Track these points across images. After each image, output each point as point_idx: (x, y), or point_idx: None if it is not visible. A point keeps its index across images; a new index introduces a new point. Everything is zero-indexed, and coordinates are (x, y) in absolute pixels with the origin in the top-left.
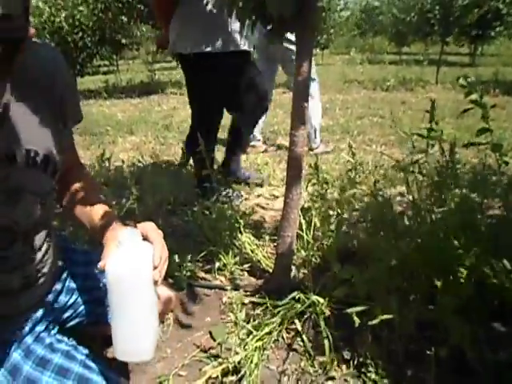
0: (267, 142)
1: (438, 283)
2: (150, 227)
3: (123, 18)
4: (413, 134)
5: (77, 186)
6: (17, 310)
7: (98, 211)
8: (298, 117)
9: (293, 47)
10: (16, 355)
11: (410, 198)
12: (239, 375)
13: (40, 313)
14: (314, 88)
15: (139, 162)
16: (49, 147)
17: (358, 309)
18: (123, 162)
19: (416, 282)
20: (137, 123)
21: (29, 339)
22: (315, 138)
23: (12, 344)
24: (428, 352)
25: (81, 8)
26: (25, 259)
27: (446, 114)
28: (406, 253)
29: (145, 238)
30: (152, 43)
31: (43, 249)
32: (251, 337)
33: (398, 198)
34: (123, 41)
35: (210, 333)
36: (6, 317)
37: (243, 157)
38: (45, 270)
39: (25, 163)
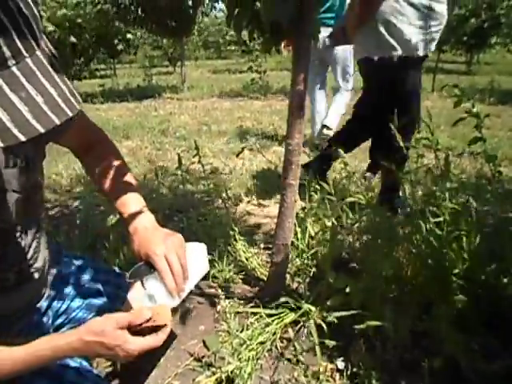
0: (261, 148)
1: (433, 293)
2: (158, 255)
3: (120, 22)
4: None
5: (100, 164)
6: (12, 308)
7: (120, 194)
8: (294, 125)
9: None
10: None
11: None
12: None
13: (35, 318)
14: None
15: (135, 167)
16: (28, 146)
17: (347, 313)
18: None
19: (411, 292)
20: (133, 128)
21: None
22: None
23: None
24: (422, 362)
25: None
26: (19, 256)
27: (441, 121)
28: (401, 262)
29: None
30: (148, 47)
31: (34, 244)
32: (244, 346)
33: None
34: (120, 45)
35: (204, 342)
36: (2, 316)
37: (238, 162)
38: (37, 265)
39: (4, 167)
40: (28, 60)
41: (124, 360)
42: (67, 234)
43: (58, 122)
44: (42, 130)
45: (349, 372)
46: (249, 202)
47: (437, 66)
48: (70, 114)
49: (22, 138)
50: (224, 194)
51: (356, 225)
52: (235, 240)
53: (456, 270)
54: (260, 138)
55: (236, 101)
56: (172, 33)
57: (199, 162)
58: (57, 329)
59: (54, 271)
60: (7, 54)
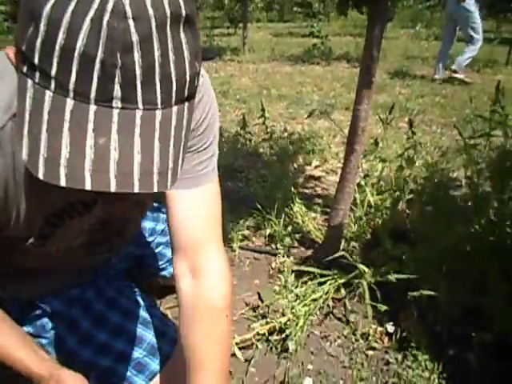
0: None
1: (491, 269)
2: None
3: None
4: (475, 116)
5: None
6: (100, 263)
7: None
8: (363, 90)
9: (470, 12)
10: (89, 294)
11: (469, 182)
12: (284, 335)
13: (113, 260)
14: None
15: None
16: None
17: (403, 276)
18: None
19: (467, 266)
20: None
21: (101, 281)
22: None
23: (87, 285)
24: (472, 334)
25: None
26: (116, 240)
27: None
28: (460, 236)
29: None
30: (209, 8)
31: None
32: (298, 301)
33: (457, 182)
34: None
35: (259, 294)
36: (88, 268)
37: (297, 127)
38: (129, 233)
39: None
40: (139, 113)
41: None
42: None
43: (113, 188)
44: (89, 187)
45: (398, 336)
46: (307, 167)
47: None
48: (135, 190)
49: (63, 183)
50: (284, 157)
51: (416, 195)
52: (293, 202)
53: None
54: (320, 104)
55: (297, 65)
56: None
57: (264, 123)
58: (130, 271)
59: None
60: (117, 94)
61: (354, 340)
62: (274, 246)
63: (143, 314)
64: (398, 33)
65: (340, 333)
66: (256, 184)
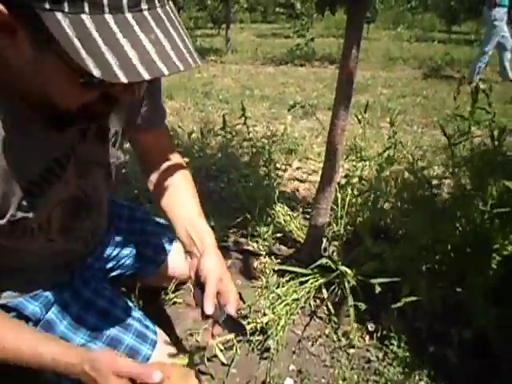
0: (303, 115)
1: (470, 266)
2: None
3: None
4: (455, 116)
5: (164, 179)
6: (76, 260)
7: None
8: (343, 90)
9: (497, 20)
10: (66, 296)
11: (449, 180)
12: (266, 335)
13: (89, 260)
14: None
15: (179, 127)
16: (119, 122)
17: (384, 280)
18: None
19: (447, 264)
20: (177, 89)
21: (77, 283)
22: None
23: (63, 286)
24: (452, 331)
25: None
26: (90, 228)
27: (492, 98)
28: (440, 234)
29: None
30: (193, 8)
31: (105, 216)
32: (279, 301)
33: (436, 181)
34: None
35: (240, 295)
36: (66, 265)
37: (280, 127)
38: (102, 230)
39: (95, 137)
40: (159, 10)
41: None
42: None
43: (182, 68)
44: (167, 72)
45: (379, 334)
46: (290, 166)
47: None
48: (193, 65)
49: (146, 76)
50: (266, 157)
51: (396, 193)
52: (275, 202)
53: (495, 247)
54: (303, 104)
55: (280, 66)
56: None
57: (244, 123)
58: (107, 272)
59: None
60: None
61: (335, 339)
62: (255, 245)
63: (121, 315)
64: (379, 34)
65: (321, 332)
66: (238, 184)
